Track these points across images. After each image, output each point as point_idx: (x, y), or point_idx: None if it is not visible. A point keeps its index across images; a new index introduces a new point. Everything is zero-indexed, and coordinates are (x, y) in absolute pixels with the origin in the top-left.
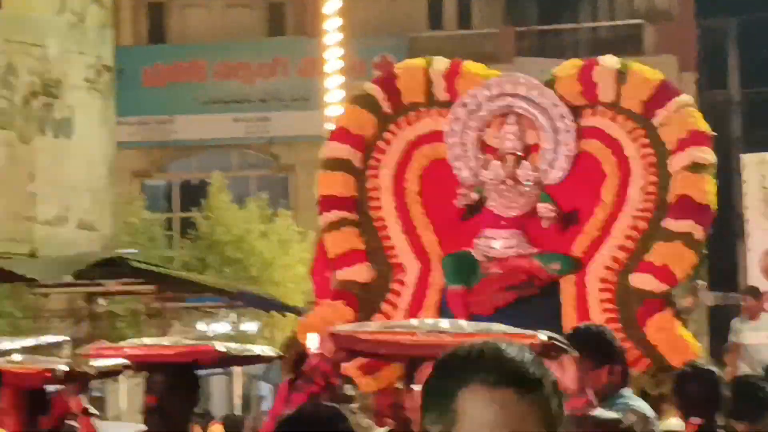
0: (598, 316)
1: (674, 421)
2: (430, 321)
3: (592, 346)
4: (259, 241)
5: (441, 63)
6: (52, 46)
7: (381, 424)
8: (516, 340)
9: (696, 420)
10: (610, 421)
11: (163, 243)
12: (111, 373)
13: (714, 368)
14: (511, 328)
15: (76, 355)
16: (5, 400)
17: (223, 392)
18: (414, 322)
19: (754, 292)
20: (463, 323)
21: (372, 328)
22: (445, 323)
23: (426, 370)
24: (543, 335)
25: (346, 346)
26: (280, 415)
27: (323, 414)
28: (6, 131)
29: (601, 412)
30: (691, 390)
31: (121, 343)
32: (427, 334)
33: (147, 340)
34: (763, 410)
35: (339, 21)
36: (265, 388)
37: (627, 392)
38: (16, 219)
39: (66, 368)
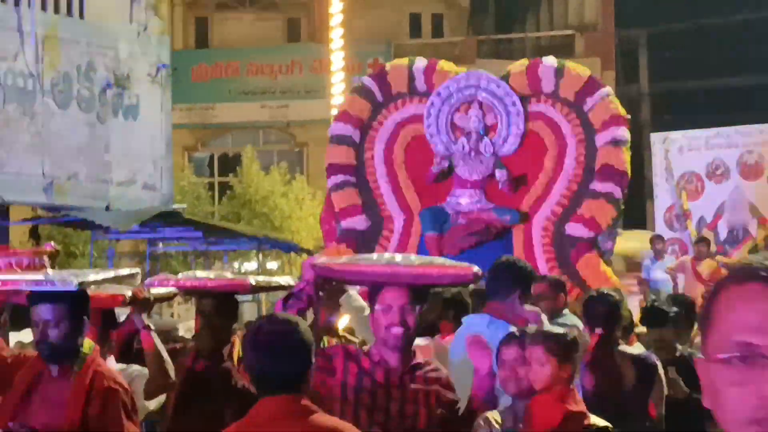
0: (540, 257)
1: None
2: (387, 255)
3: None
4: (280, 200)
5: (421, 62)
6: (122, 49)
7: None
8: (453, 271)
9: (599, 330)
10: (558, 334)
11: (207, 201)
12: (165, 299)
13: (614, 292)
14: (451, 261)
15: (141, 284)
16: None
17: (252, 314)
18: (374, 255)
19: (660, 238)
20: (413, 257)
21: (342, 260)
22: (398, 257)
23: (385, 293)
24: (476, 267)
25: (323, 274)
26: None
27: (293, 322)
28: (88, 114)
29: (550, 327)
30: (596, 308)
31: (179, 275)
32: (384, 265)
33: (199, 273)
34: (664, 320)
35: (341, 31)
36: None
37: (566, 312)
38: (95, 181)
39: (131, 294)
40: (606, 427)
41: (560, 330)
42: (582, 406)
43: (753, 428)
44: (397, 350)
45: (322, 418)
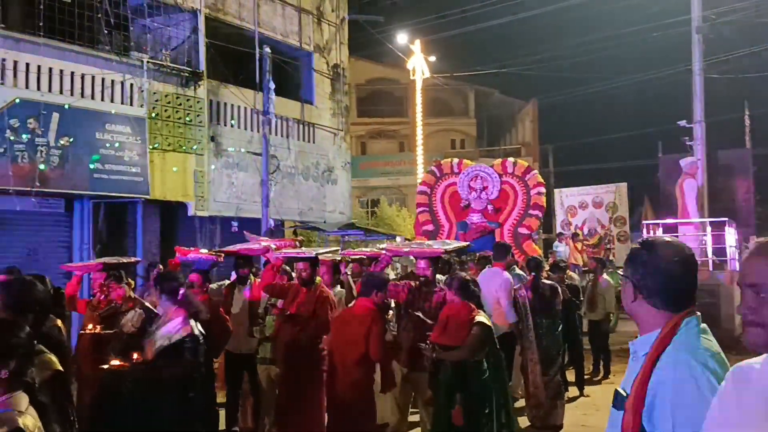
0: (508, 242)
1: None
2: (418, 242)
3: (507, 249)
4: (396, 218)
5: (455, 160)
6: (330, 155)
7: None
8: (437, 251)
9: (533, 273)
10: (456, 278)
11: (366, 219)
12: (356, 259)
13: (539, 257)
14: (445, 242)
15: (341, 254)
16: (323, 269)
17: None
18: (413, 243)
19: (560, 234)
20: (426, 243)
21: (398, 245)
22: (418, 243)
23: (419, 261)
24: (444, 249)
25: (392, 252)
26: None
27: (372, 272)
28: (316, 183)
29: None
30: (531, 263)
31: (355, 249)
32: (415, 248)
33: (365, 249)
34: (561, 270)
35: (421, 147)
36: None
37: (516, 267)
38: (319, 211)
39: (339, 258)
40: (481, 321)
41: (464, 275)
42: (469, 309)
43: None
44: (425, 284)
45: (370, 308)
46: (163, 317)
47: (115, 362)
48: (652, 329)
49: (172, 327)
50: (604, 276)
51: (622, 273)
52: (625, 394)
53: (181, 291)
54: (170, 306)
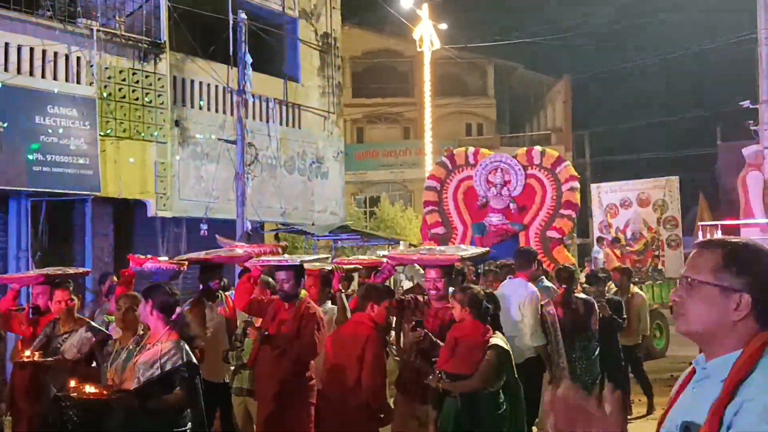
0: (534, 248)
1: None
2: (427, 248)
3: (533, 257)
4: (400, 220)
5: (471, 148)
6: (320, 144)
7: None
8: (452, 258)
9: (564, 285)
10: (467, 290)
11: (362, 220)
12: (350, 270)
13: (571, 266)
14: (460, 248)
15: (332, 263)
16: (310, 280)
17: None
18: (420, 249)
19: (599, 238)
20: (437, 249)
21: (403, 252)
22: (428, 249)
23: (428, 271)
24: (459, 257)
25: (395, 261)
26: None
27: (372, 283)
28: (303, 177)
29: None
30: (562, 274)
31: (350, 258)
32: (422, 255)
33: (360, 257)
34: (601, 281)
35: (430, 133)
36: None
37: (544, 278)
38: (306, 211)
39: (330, 268)
40: (497, 344)
41: (477, 289)
42: (482, 330)
43: None
44: (435, 299)
45: (365, 324)
46: (150, 338)
47: (90, 389)
48: (734, 349)
49: (162, 352)
50: (636, 290)
51: (715, 282)
52: (698, 423)
53: (177, 310)
54: (161, 325)
